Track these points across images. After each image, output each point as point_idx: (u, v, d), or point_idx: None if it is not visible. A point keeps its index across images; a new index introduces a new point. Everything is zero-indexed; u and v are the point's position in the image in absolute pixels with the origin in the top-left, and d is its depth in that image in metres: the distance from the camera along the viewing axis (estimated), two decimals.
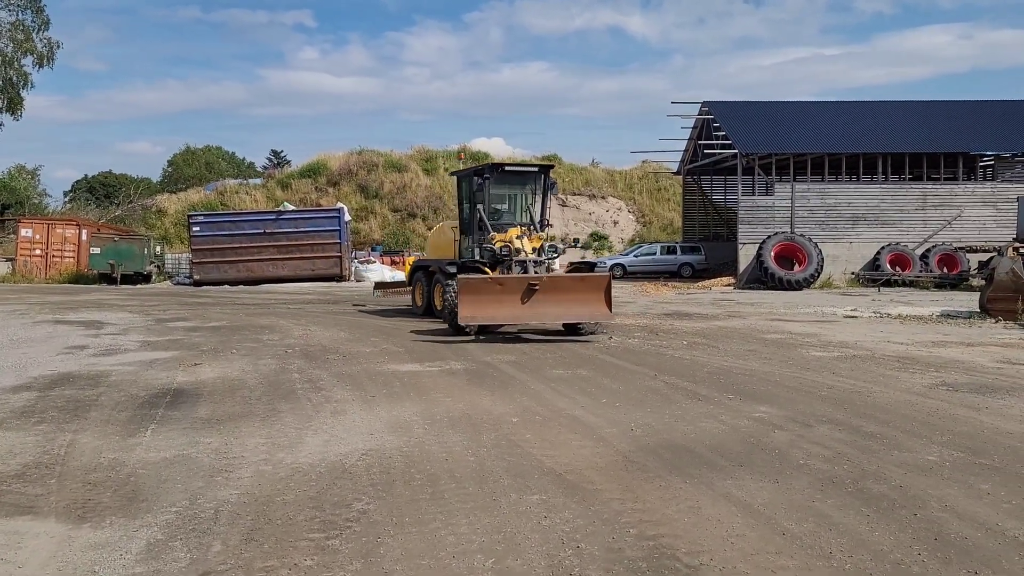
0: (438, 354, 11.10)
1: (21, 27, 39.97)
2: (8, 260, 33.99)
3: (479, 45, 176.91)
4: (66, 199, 59.17)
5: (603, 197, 55.72)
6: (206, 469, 5.73)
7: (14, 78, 40.37)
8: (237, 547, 4.27)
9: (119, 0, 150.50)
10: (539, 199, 15.46)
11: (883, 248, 29.82)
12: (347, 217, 35.17)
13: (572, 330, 13.63)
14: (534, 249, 13.89)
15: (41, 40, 40.50)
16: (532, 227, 14.77)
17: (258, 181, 53.29)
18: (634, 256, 38.59)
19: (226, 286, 31.47)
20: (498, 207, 15.33)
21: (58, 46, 41.29)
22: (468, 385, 8.80)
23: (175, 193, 55.65)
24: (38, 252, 33.01)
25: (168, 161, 78.63)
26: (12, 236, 34.64)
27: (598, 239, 51.63)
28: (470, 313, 12.20)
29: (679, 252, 38.02)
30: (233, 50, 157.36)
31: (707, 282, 31.71)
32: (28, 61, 40.67)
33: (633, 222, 54.93)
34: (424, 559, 4.07)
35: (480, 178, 14.84)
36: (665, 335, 13.57)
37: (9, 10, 39.95)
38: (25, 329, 14.58)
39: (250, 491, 5.22)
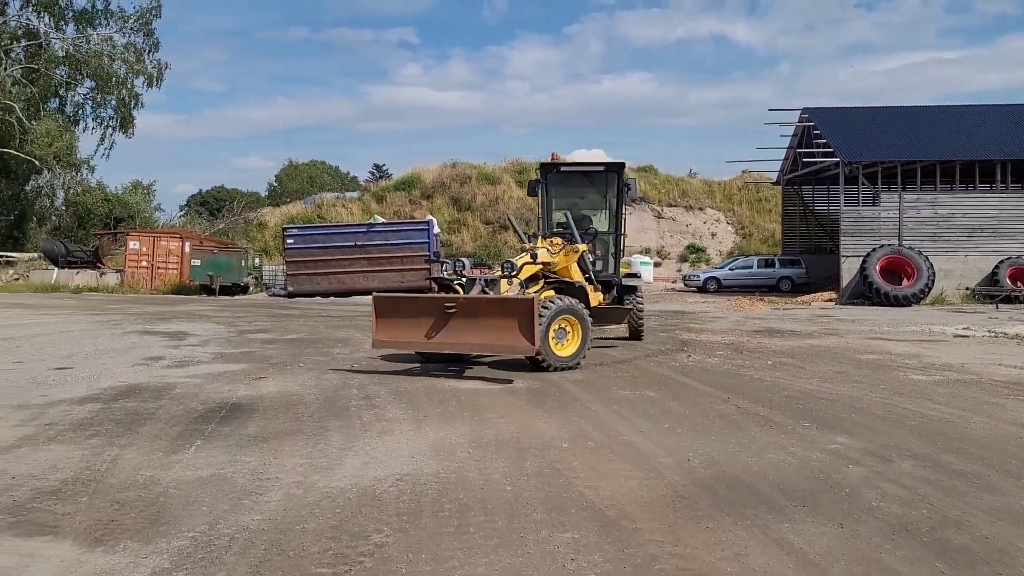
0: (503, 370, 10.76)
1: (133, 49, 42.01)
2: (118, 272, 35.55)
3: (579, 57, 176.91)
4: (181, 212, 61.77)
5: (700, 208, 54.46)
6: (237, 491, 5.53)
7: (126, 98, 42.43)
8: None
9: (234, 22, 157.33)
10: (610, 202, 13.92)
11: (1002, 262, 27.96)
12: (436, 229, 35.35)
13: (635, 335, 13.55)
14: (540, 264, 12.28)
15: (151, 61, 42.47)
16: (572, 236, 12.72)
17: (354, 194, 54.34)
18: (729, 269, 37.41)
19: (318, 297, 32.02)
20: (564, 212, 13.68)
21: (167, 67, 43.22)
22: (526, 405, 8.42)
23: (278, 207, 57.38)
24: (144, 264, 34.41)
25: (275, 176, 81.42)
26: (122, 248, 36.18)
27: (695, 251, 50.40)
28: (383, 337, 10.80)
29: (777, 265, 36.64)
30: (339, 67, 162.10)
31: (806, 297, 30.42)
32: (139, 81, 42.65)
33: (732, 234, 53.42)
34: None
35: (537, 181, 13.80)
36: (750, 354, 12.87)
37: (123, 33, 42.04)
38: (113, 339, 15.00)
39: (273, 517, 4.98)
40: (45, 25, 41.65)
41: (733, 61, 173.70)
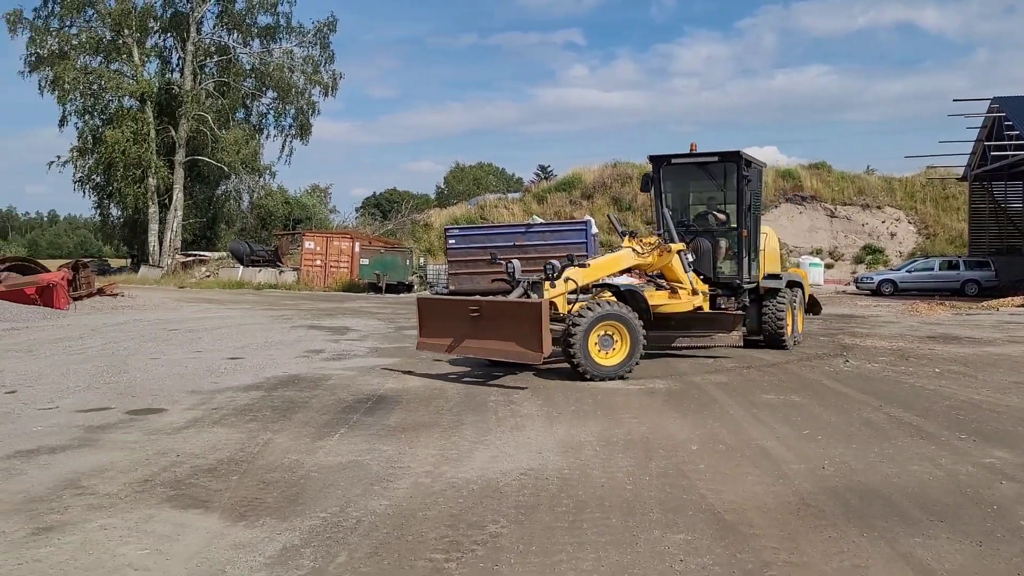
0: (647, 371, 10.65)
1: (311, 61, 44.66)
2: (295, 270, 37.89)
3: (751, 51, 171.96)
4: (356, 214, 64.98)
5: (878, 207, 51.41)
6: (370, 477, 5.82)
7: (304, 107, 45.17)
8: (359, 560, 4.25)
9: (407, 31, 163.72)
10: (728, 196, 12.65)
11: None
12: (594, 229, 35.32)
13: (771, 342, 12.67)
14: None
15: (327, 72, 44.99)
16: (670, 234, 11.81)
17: (516, 195, 55.19)
18: (906, 271, 35.12)
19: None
20: (682, 207, 13.11)
21: (341, 77, 45.72)
22: (663, 406, 8.33)
23: (444, 208, 59.23)
24: (318, 263, 36.48)
25: (444, 178, 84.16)
26: (299, 248, 38.52)
27: (871, 252, 47.64)
28: (426, 339, 10.64)
29: (962, 267, 34.02)
30: (507, 71, 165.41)
31: (995, 301, 28.08)
32: (316, 91, 45.27)
33: (914, 234, 50.07)
34: None
35: (649, 176, 12.79)
36: (916, 360, 12.08)
37: (302, 47, 44.76)
38: (282, 333, 16.04)
39: (399, 503, 5.21)
40: (234, 41, 45.06)
41: (922, 50, 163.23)
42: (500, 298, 10.25)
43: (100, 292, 24.49)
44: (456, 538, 4.56)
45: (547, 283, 10.16)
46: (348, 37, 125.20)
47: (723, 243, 12.54)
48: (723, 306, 12.36)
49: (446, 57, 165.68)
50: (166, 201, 43.49)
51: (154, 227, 43.36)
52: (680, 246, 11.74)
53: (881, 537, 4.45)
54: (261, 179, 47.46)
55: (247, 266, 39.23)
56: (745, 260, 12.50)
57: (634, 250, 11.26)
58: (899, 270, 36.11)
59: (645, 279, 12.14)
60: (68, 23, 42.26)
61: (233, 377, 10.27)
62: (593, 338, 9.80)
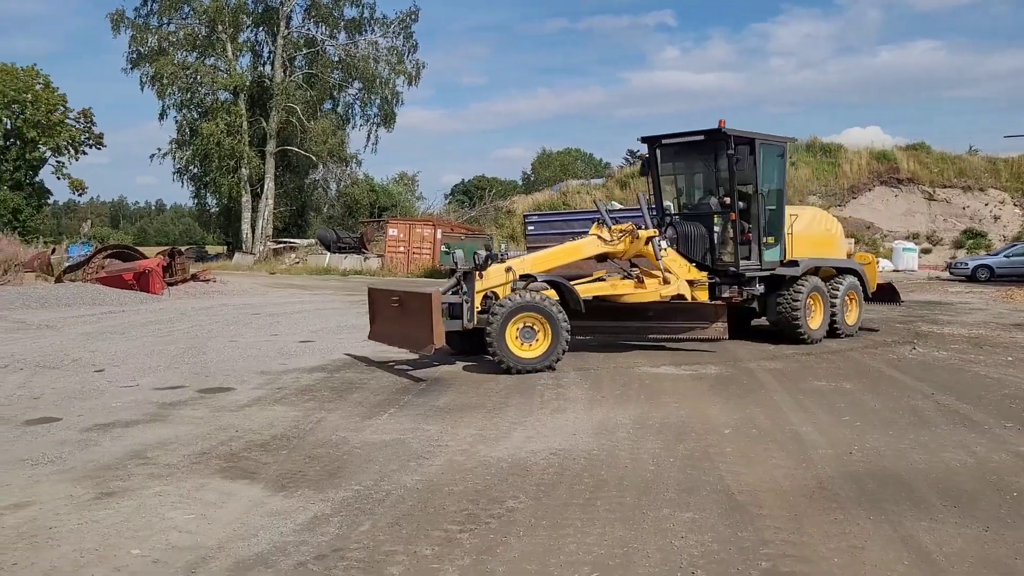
0: (703, 357, 10.70)
1: (395, 52, 45.53)
2: (379, 257, 38.82)
3: (853, 28, 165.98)
4: (445, 201, 65.90)
5: (981, 189, 49.20)
6: (409, 454, 6.15)
7: (388, 96, 46.10)
8: (380, 529, 4.57)
9: (496, 18, 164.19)
10: (721, 178, 11.58)
11: None
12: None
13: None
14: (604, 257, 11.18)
15: (410, 62, 45.78)
16: (644, 221, 11.19)
17: (599, 181, 55.02)
18: (1004, 256, 33.61)
19: None
20: (689, 190, 12.40)
21: (424, 66, 46.44)
22: (707, 391, 8.41)
23: (528, 194, 59.48)
24: (401, 249, 37.29)
25: (531, 164, 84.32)
26: (383, 235, 39.42)
27: (972, 237, 45.64)
28: (375, 330, 10.86)
29: None
30: (597, 55, 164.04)
31: None
32: (400, 81, 46.12)
33: (1020, 217, 47.81)
34: (532, 563, 4.04)
35: (646, 158, 12.11)
36: (990, 349, 11.73)
37: (386, 37, 45.67)
38: (356, 317, 16.58)
39: (430, 479, 5.52)
40: (321, 34, 46.26)
41: None
42: (417, 290, 10.30)
43: (194, 278, 25.68)
44: (474, 511, 4.83)
45: (477, 273, 9.89)
46: (436, 26, 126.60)
47: (718, 228, 11.57)
48: (725, 295, 11.46)
49: (535, 43, 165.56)
50: (258, 190, 45.13)
51: (247, 216, 45.08)
52: (651, 233, 10.93)
53: (887, 520, 4.51)
54: (347, 168, 48.74)
55: (334, 253, 40.37)
56: (751, 246, 11.46)
57: (600, 237, 10.96)
58: (997, 255, 34.59)
59: (620, 267, 11.56)
60: (166, 21, 44.21)
61: (301, 359, 10.80)
62: (512, 330, 9.53)
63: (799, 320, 11.68)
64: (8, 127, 53.64)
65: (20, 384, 9.14)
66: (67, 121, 55.48)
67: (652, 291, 10.95)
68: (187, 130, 45.49)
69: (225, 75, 44.03)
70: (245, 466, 5.89)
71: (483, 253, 10.15)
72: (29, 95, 53.55)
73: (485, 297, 9.83)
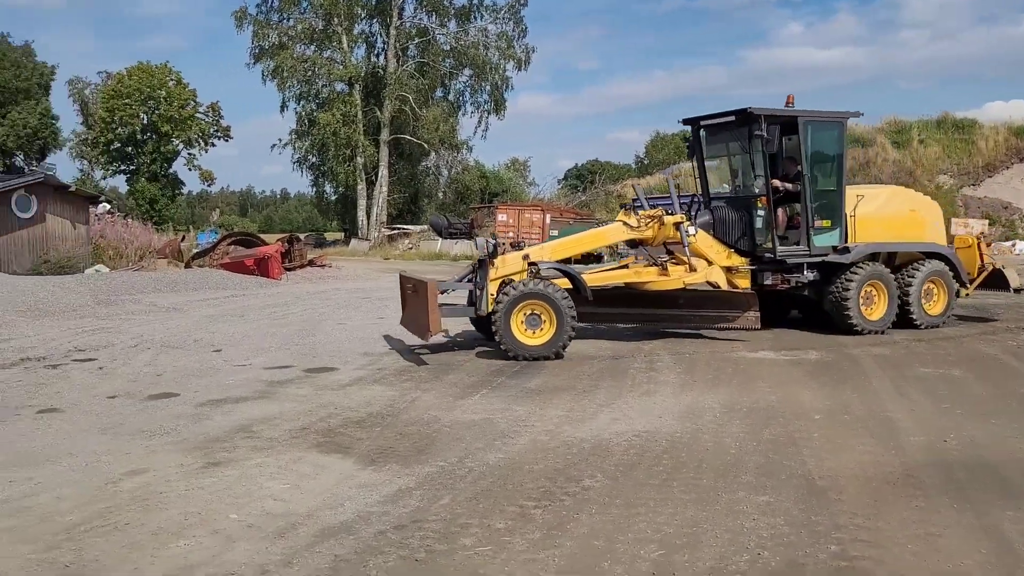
0: (805, 343, 10.46)
1: (504, 37, 45.83)
2: None
3: None
4: (558, 186, 66.00)
5: None
6: (495, 433, 6.33)
7: (498, 82, 46.51)
8: (458, 503, 4.76)
9: (610, 1, 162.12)
10: (755, 159, 10.89)
11: None
12: None
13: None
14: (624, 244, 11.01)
15: (520, 47, 45.99)
16: (672, 205, 10.92)
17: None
18: None
19: None
20: (729, 172, 12.08)
21: (533, 51, 46.60)
22: (804, 376, 8.26)
23: (640, 178, 58.89)
24: (511, 234, 37.66)
25: (644, 147, 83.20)
26: (493, 221, 39.94)
27: None
28: (403, 316, 11.10)
29: None
30: (714, 35, 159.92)
31: None
32: (510, 67, 46.46)
33: None
34: (600, 540, 4.14)
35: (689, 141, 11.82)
36: None
37: (495, 23, 46.05)
38: (458, 300, 16.95)
39: (512, 457, 5.69)
40: (432, 23, 47.04)
41: None
42: (427, 280, 10.26)
43: (311, 263, 26.77)
44: (551, 489, 4.96)
45: (491, 262, 9.98)
46: (549, 10, 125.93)
47: (762, 213, 10.89)
48: (768, 282, 10.91)
49: (650, 24, 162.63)
50: (373, 178, 46.44)
51: (362, 203, 46.50)
52: (678, 219, 10.54)
53: (972, 509, 4.38)
54: (459, 155, 49.51)
55: (445, 239, 41.12)
56: (801, 230, 10.89)
57: (626, 224, 10.77)
58: None
59: (651, 254, 11.23)
60: (286, 16, 45.92)
61: (403, 341, 11.16)
62: (519, 317, 9.58)
63: (849, 310, 10.83)
64: (144, 122, 57.05)
65: (147, 362, 9.85)
66: (197, 115, 58.54)
67: (676, 279, 10.61)
68: (305, 121, 47.22)
69: (341, 67, 45.41)
70: (340, 441, 6.21)
71: (493, 242, 10.25)
72: (163, 91, 56.78)
73: (503, 284, 9.90)
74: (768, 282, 10.96)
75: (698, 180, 12.11)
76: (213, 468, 5.52)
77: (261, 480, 5.25)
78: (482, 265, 9.99)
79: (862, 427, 6.18)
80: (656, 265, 10.80)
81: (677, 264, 10.65)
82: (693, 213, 11.04)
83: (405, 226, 47.43)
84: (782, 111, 10.88)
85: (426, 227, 45.41)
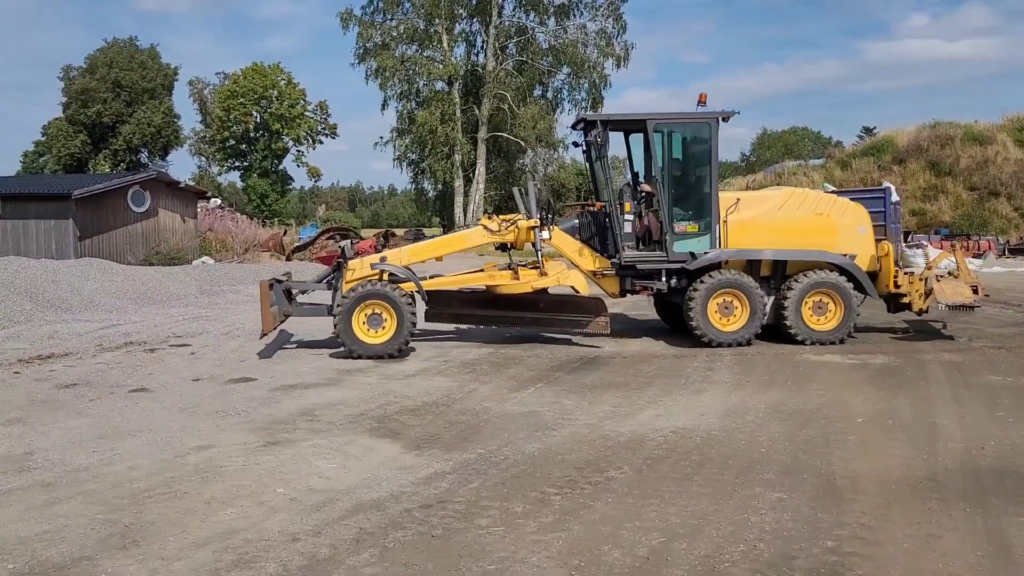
0: (876, 347, 10.29)
1: (603, 35, 45.77)
2: None
3: None
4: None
5: None
6: (539, 425, 6.62)
7: (596, 80, 46.48)
8: (487, 487, 5.07)
9: None
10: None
11: None
12: (895, 197, 32.87)
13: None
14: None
15: (619, 44, 45.82)
16: (529, 210, 10.78)
17: (818, 162, 52.42)
18: None
19: None
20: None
21: (632, 47, 46.31)
22: (861, 381, 8.20)
23: (744, 176, 57.83)
24: None
25: (750, 144, 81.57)
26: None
27: None
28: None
29: None
30: (832, 26, 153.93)
31: None
32: (608, 64, 46.36)
33: None
34: (607, 526, 4.37)
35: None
36: None
37: (594, 20, 46.03)
38: None
39: (548, 447, 5.96)
40: (531, 21, 47.42)
41: None
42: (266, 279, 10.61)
43: None
44: (576, 478, 5.21)
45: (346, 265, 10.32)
46: (658, 4, 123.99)
47: (630, 217, 10.71)
48: (636, 288, 10.94)
49: (763, 16, 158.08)
50: (470, 175, 47.21)
51: (459, 199, 47.33)
52: (532, 223, 10.55)
53: (982, 514, 4.40)
54: (555, 152, 49.76)
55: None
56: (613, 237, 10.74)
57: (487, 228, 10.84)
58: None
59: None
60: (389, 17, 47.16)
61: (473, 336, 11.55)
62: (360, 317, 9.81)
63: (692, 319, 10.32)
64: (257, 120, 59.69)
65: (234, 349, 10.56)
66: (306, 113, 60.86)
67: (525, 283, 10.55)
68: (406, 119, 48.37)
69: (440, 66, 46.34)
70: (392, 427, 6.61)
71: (348, 244, 10.62)
72: (274, 91, 59.28)
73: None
74: (628, 287, 10.98)
75: (592, 183, 12.11)
76: (272, 447, 6.00)
77: (312, 459, 5.69)
78: (339, 268, 10.45)
79: (902, 432, 6.17)
80: (510, 269, 10.87)
81: (534, 269, 10.67)
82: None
83: None
84: (625, 116, 11.04)
85: None
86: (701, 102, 10.66)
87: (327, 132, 63.97)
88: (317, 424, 6.70)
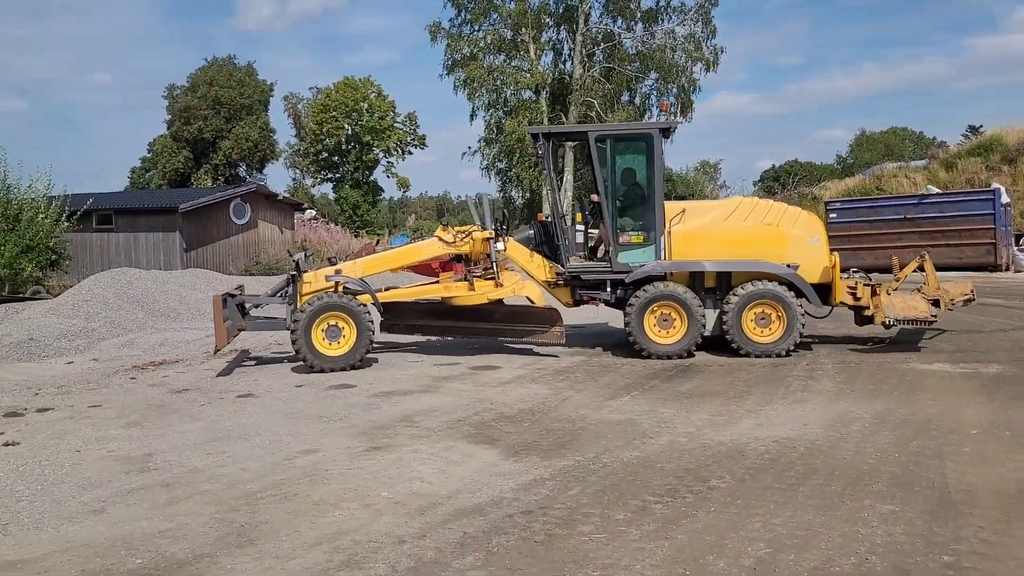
0: (988, 355, 9.84)
1: (692, 39, 45.19)
2: None
3: None
4: (753, 189, 64.12)
5: None
6: (636, 433, 6.58)
7: (685, 84, 45.88)
8: (586, 494, 5.08)
9: None
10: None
11: None
12: (1005, 199, 31.39)
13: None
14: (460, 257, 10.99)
15: (708, 48, 45.14)
16: (483, 221, 10.94)
17: (920, 163, 50.47)
18: None
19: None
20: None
21: (722, 51, 45.53)
22: (974, 391, 7.85)
23: (841, 179, 56.16)
24: None
25: (848, 146, 79.11)
26: None
27: None
28: None
29: None
30: (935, 22, 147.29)
31: None
32: (697, 68, 45.72)
33: None
34: (711, 535, 4.32)
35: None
36: None
37: (683, 25, 45.49)
38: None
39: (647, 456, 5.93)
40: (618, 27, 47.17)
41: None
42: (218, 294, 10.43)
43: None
44: (676, 487, 5.17)
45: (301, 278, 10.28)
46: (749, 6, 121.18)
47: (580, 229, 11.18)
48: (586, 299, 10.97)
49: (860, 13, 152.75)
50: (558, 184, 47.25)
51: (547, 207, 47.42)
52: (487, 234, 10.58)
53: None
54: None
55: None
56: (561, 248, 10.83)
57: (442, 239, 10.85)
58: None
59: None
60: (476, 28, 47.68)
61: (567, 343, 11.55)
62: (318, 330, 9.73)
63: (631, 332, 10.19)
64: (348, 133, 61.20)
65: None
66: (396, 125, 62.08)
67: (481, 295, 10.59)
68: (494, 128, 48.75)
69: (527, 75, 46.57)
70: (490, 433, 6.68)
71: (302, 256, 10.57)
72: (366, 104, 60.68)
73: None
74: (577, 298, 10.99)
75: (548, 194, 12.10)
76: (374, 452, 6.14)
77: (414, 464, 5.80)
78: (293, 281, 10.42)
79: (1019, 444, 5.89)
80: (465, 280, 10.77)
81: (489, 280, 10.59)
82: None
83: (590, 230, 47.80)
84: (566, 128, 11.35)
85: None
86: (663, 110, 11.14)
87: (416, 143, 65.04)
88: (416, 430, 6.83)
